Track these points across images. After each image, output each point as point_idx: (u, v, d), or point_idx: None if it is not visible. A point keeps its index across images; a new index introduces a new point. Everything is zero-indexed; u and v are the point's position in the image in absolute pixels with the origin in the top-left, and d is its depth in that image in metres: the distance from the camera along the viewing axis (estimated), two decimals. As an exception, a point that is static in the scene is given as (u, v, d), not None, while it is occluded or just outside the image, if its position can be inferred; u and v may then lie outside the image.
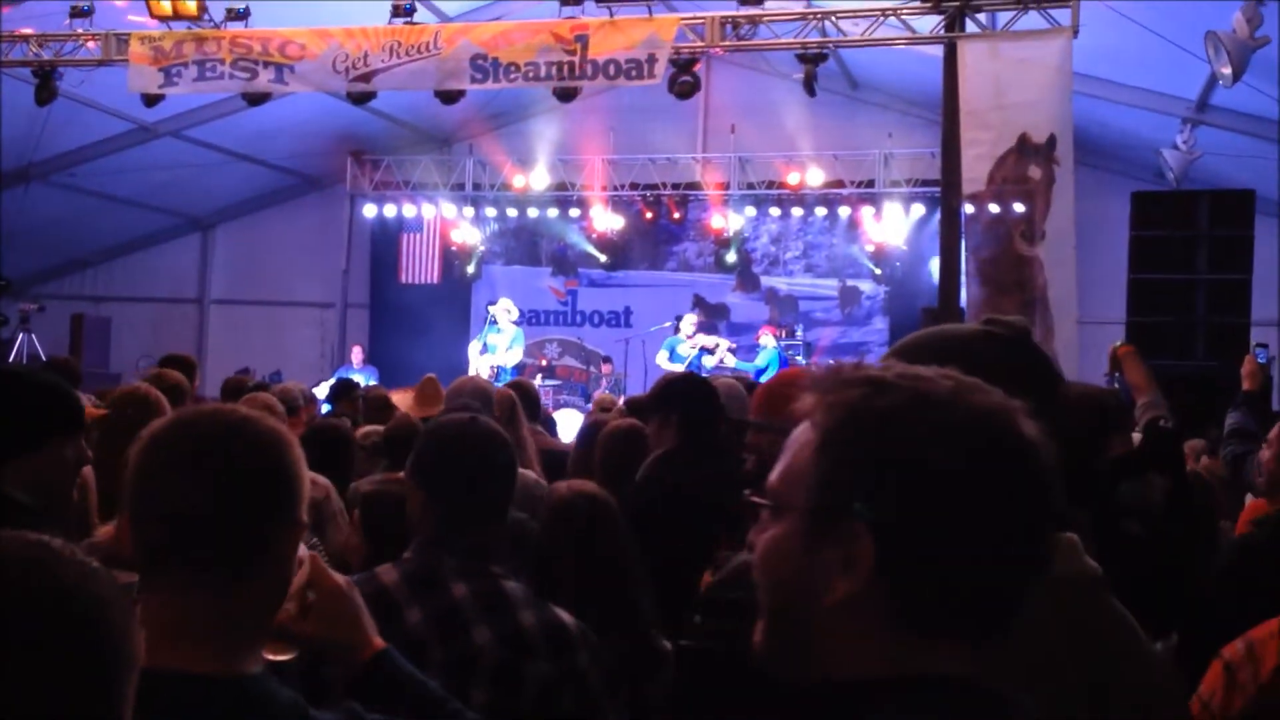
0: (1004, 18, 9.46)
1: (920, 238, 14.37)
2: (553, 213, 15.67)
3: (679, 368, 11.62)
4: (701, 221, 15.59)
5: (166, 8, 10.24)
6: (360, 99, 10.83)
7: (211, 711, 1.32)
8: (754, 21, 9.91)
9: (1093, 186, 11.52)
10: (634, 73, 9.77)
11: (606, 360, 15.04)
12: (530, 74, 9.98)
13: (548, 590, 2.47)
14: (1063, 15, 9.01)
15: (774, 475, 1.06)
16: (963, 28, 9.33)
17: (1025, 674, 1.05)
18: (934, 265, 11.68)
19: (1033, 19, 9.18)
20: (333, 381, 7.86)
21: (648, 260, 16.12)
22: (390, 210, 16.10)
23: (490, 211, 16.09)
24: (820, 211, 14.96)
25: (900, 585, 0.96)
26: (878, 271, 15.12)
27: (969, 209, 9.25)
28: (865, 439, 0.98)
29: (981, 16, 9.44)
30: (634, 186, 15.28)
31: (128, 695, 0.95)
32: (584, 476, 3.48)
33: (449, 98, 10.38)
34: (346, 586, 1.67)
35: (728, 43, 10.06)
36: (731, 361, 12.78)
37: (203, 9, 10.32)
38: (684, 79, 9.97)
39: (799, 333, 14.76)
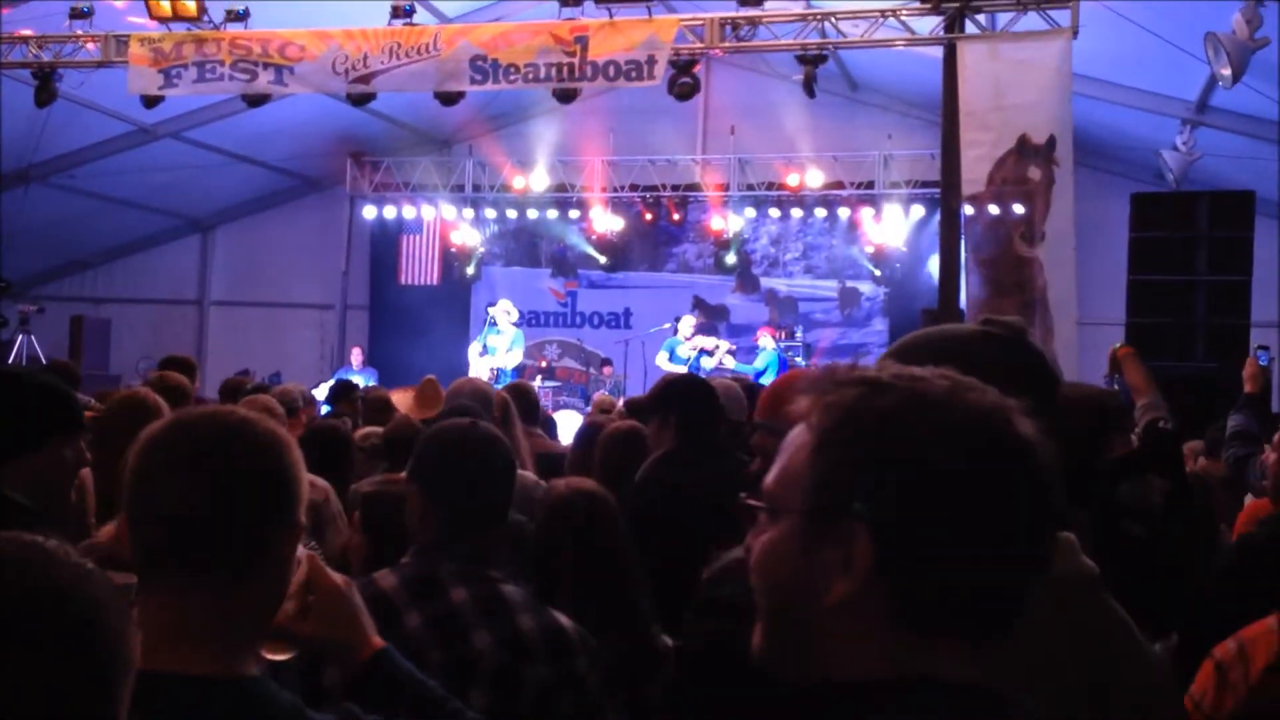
0: (1003, 19, 9.47)
1: (920, 239, 14.38)
2: (552, 214, 15.68)
3: (680, 369, 11.62)
4: (701, 223, 15.59)
5: (166, 9, 10.24)
6: (360, 100, 10.83)
7: (210, 713, 1.32)
8: (753, 23, 9.91)
9: (1092, 188, 11.53)
10: (633, 74, 9.77)
11: (607, 362, 15.03)
12: (530, 75, 9.99)
13: (546, 588, 2.47)
14: (1062, 16, 9.01)
15: (770, 478, 1.05)
16: (962, 29, 9.33)
17: (1025, 674, 1.05)
18: (934, 266, 11.68)
19: (1032, 20, 9.18)
20: (332, 383, 7.85)
21: (647, 262, 16.13)
22: (390, 211, 16.11)
23: (490, 213, 16.09)
24: (820, 213, 14.96)
25: (900, 585, 0.96)
26: (877, 273, 15.12)
27: (969, 210, 9.25)
28: (863, 439, 0.98)
29: (981, 18, 9.44)
30: (634, 188, 15.28)
31: (124, 696, 0.95)
32: (582, 477, 3.47)
33: (449, 99, 10.39)
34: (345, 586, 1.67)
35: (727, 44, 10.06)
36: (731, 363, 12.78)
37: (202, 10, 10.32)
38: (683, 80, 9.97)
39: (799, 334, 14.75)
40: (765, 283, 15.75)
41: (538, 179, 15.19)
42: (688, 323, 13.20)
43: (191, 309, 17.61)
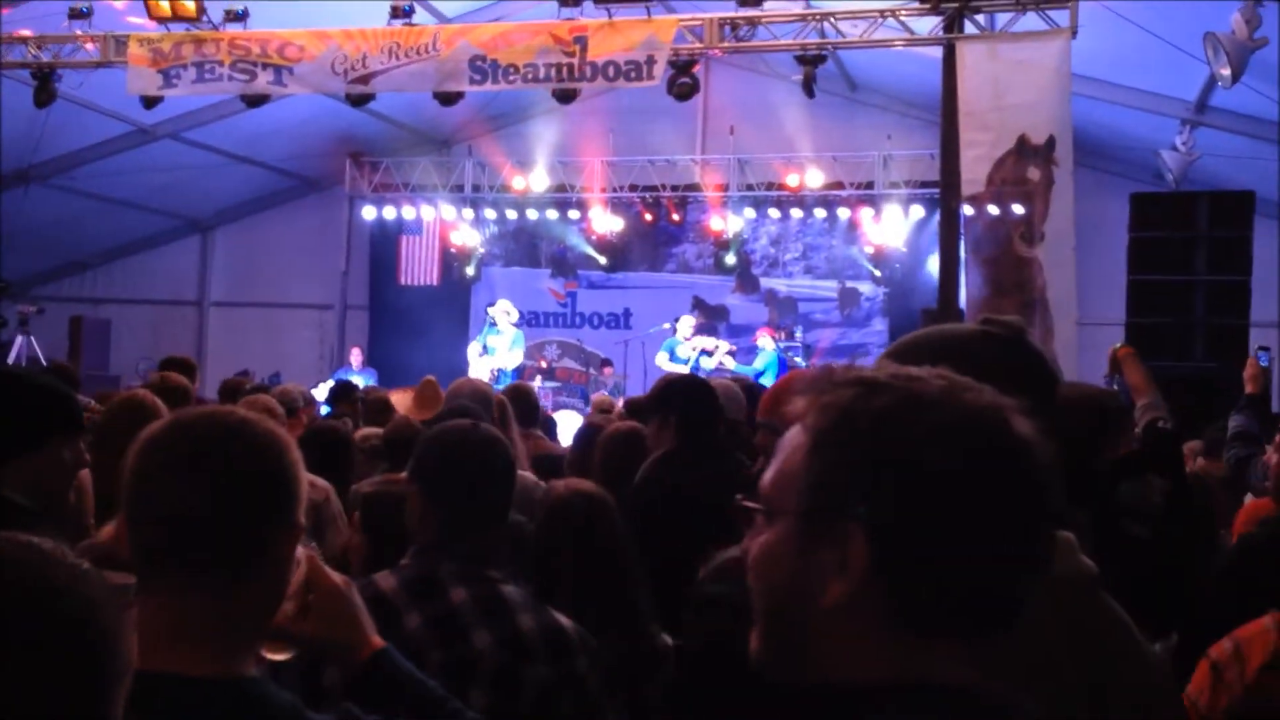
0: (1003, 19, 9.47)
1: (919, 239, 14.37)
2: (552, 214, 15.67)
3: (681, 368, 11.62)
4: (701, 223, 15.59)
5: (165, 9, 10.24)
6: (359, 101, 10.83)
7: (209, 714, 1.32)
8: (753, 23, 9.91)
9: (1092, 188, 11.52)
10: (633, 74, 9.77)
11: (607, 363, 15.03)
12: (529, 75, 9.98)
13: (546, 589, 2.47)
14: (1061, 16, 9.01)
15: (766, 479, 1.05)
16: (961, 29, 9.33)
17: (1024, 673, 1.05)
18: (933, 267, 11.69)
19: (1031, 20, 9.18)
20: (331, 383, 7.85)
21: (647, 262, 16.12)
22: (389, 212, 16.10)
23: (489, 213, 16.08)
24: (819, 213, 14.95)
25: (896, 586, 0.96)
26: (877, 273, 15.12)
27: (968, 210, 9.26)
28: (859, 440, 0.98)
29: (980, 18, 9.45)
30: (633, 188, 15.28)
31: (119, 697, 0.95)
32: (581, 478, 3.47)
33: (448, 99, 10.38)
34: (345, 586, 1.67)
35: (727, 44, 10.06)
36: (731, 364, 12.77)
37: (201, 10, 10.32)
38: (683, 80, 9.97)
39: (798, 334, 14.74)
40: (765, 283, 15.75)
41: (537, 179, 15.19)
42: (687, 323, 13.19)
43: (191, 310, 17.60)
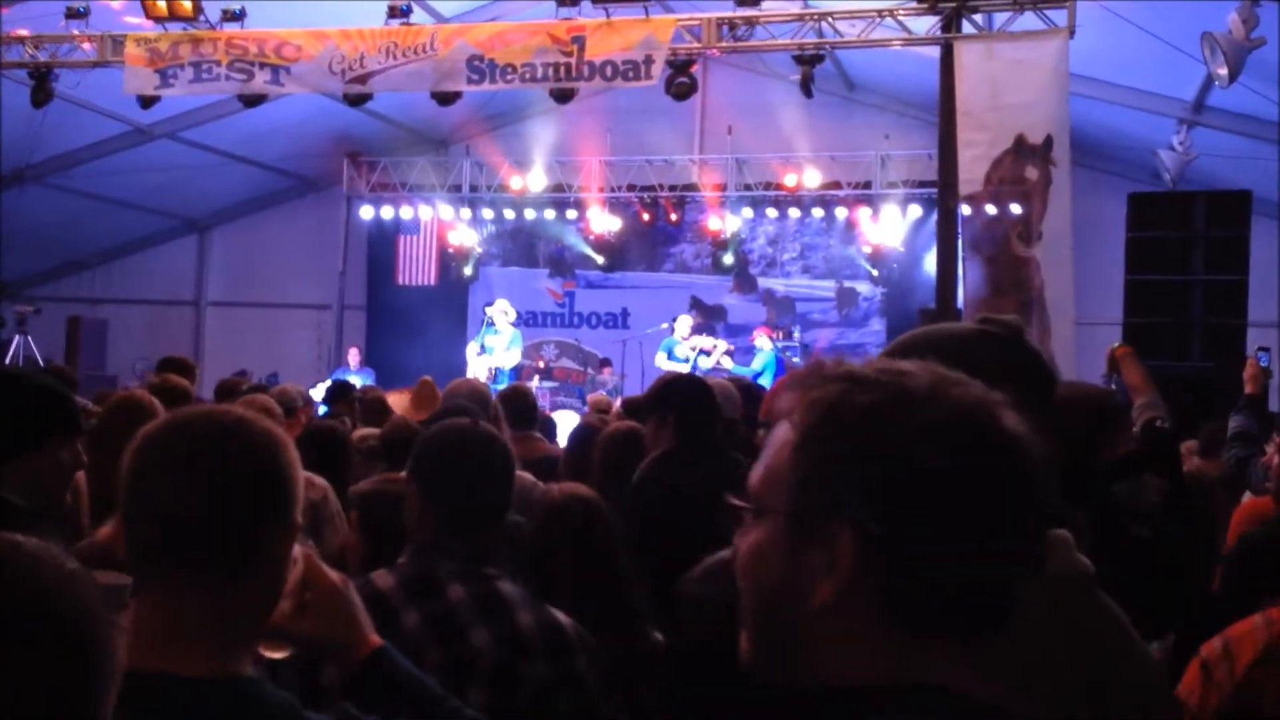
0: (1000, 19, 9.47)
1: (917, 239, 14.37)
2: (550, 214, 15.66)
3: (680, 368, 11.62)
4: (698, 223, 15.59)
5: (162, 9, 10.23)
6: (356, 100, 10.82)
7: (205, 714, 1.32)
8: (751, 23, 9.91)
9: (1089, 187, 11.54)
10: (631, 74, 9.77)
11: (606, 363, 15.02)
12: (527, 75, 9.98)
13: (544, 591, 2.47)
14: (1059, 16, 9.02)
15: (754, 477, 1.04)
16: (959, 29, 9.33)
17: (1021, 673, 1.04)
18: (931, 266, 11.69)
19: (1029, 20, 9.18)
20: (329, 383, 7.84)
21: (645, 262, 16.12)
22: (387, 212, 16.08)
23: (487, 213, 16.08)
24: (817, 213, 14.95)
25: (886, 584, 0.95)
26: (875, 273, 15.12)
27: (966, 210, 9.26)
28: (847, 436, 0.96)
29: (978, 17, 9.45)
30: (631, 188, 15.28)
31: (108, 699, 0.94)
32: (578, 479, 3.48)
33: (445, 99, 10.37)
34: (343, 584, 1.66)
35: (724, 44, 10.06)
36: (729, 364, 12.78)
37: (198, 10, 10.31)
38: (681, 80, 9.97)
39: (796, 334, 14.75)
40: (763, 283, 15.75)
41: (535, 179, 15.19)
42: (684, 322, 13.19)
43: (188, 309, 17.60)
